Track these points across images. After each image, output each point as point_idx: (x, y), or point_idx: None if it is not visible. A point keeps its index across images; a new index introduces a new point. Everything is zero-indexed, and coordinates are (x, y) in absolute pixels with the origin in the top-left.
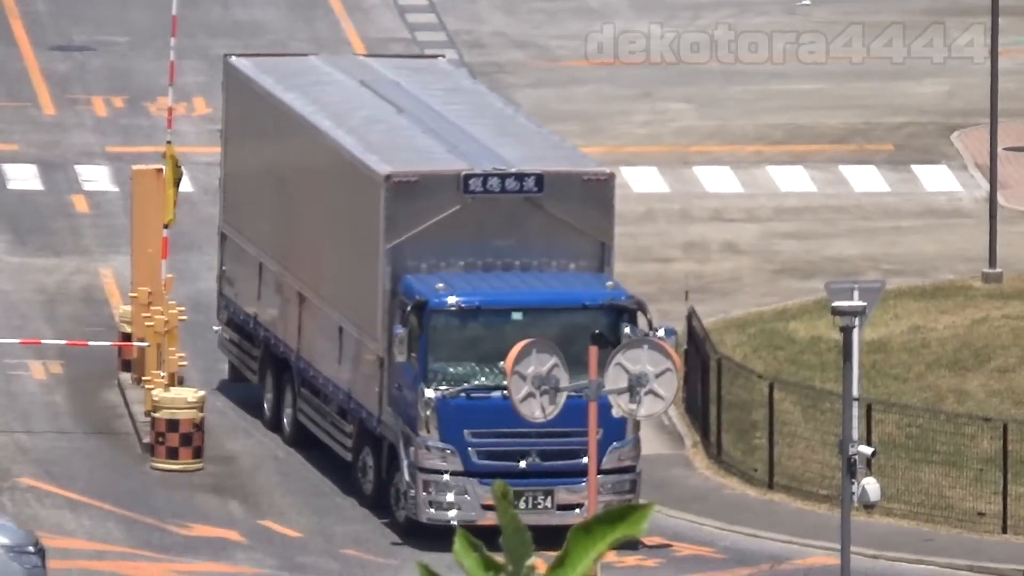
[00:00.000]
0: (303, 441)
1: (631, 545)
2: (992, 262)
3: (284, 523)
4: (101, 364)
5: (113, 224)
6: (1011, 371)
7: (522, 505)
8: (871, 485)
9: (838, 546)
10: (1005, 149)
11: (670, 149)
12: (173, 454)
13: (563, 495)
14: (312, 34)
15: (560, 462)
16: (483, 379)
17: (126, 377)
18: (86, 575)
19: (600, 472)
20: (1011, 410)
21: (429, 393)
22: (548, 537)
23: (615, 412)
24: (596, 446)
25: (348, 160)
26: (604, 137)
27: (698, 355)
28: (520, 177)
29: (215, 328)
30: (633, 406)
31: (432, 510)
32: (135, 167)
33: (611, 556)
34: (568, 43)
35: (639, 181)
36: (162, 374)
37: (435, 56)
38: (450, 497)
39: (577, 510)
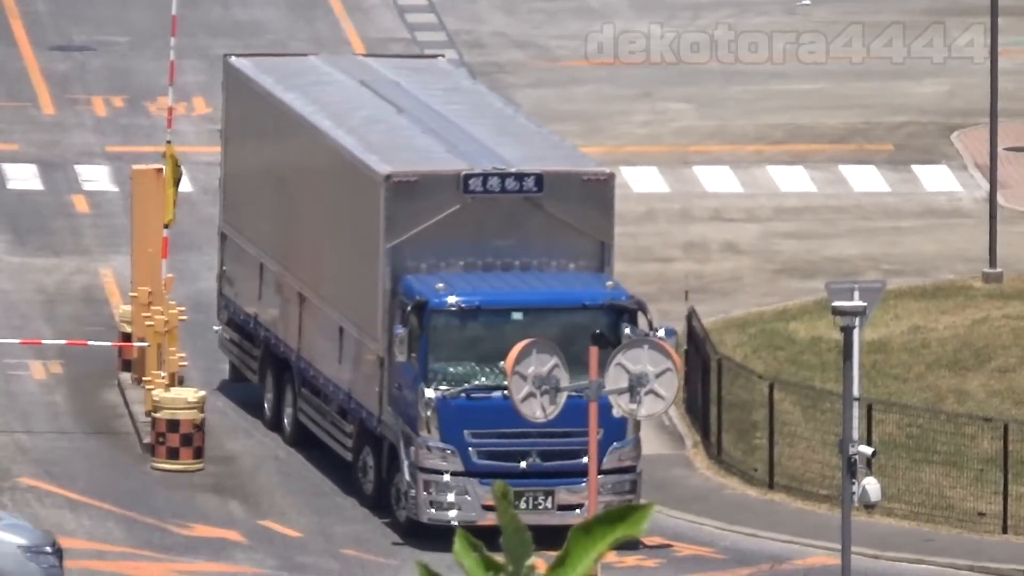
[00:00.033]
0: (303, 441)
1: (631, 545)
2: (992, 262)
3: (284, 523)
4: (101, 364)
5: (113, 224)
6: (1011, 371)
7: (523, 505)
8: (871, 485)
9: (838, 546)
10: (1005, 149)
11: (670, 149)
12: (173, 454)
13: (563, 495)
14: (312, 34)
15: (560, 462)
16: (483, 379)
17: (126, 377)
18: (86, 575)
19: (600, 472)
20: (1011, 410)
21: (429, 393)
22: (548, 537)
23: (615, 412)
24: (596, 446)
25: (348, 160)
26: (604, 137)
27: (698, 355)
28: (520, 177)
29: (215, 328)
30: (633, 406)
31: (432, 510)
32: (135, 167)
33: (611, 556)
34: (568, 43)
35: (639, 181)
36: (162, 374)
37: (435, 56)
38: (450, 497)
39: (577, 510)
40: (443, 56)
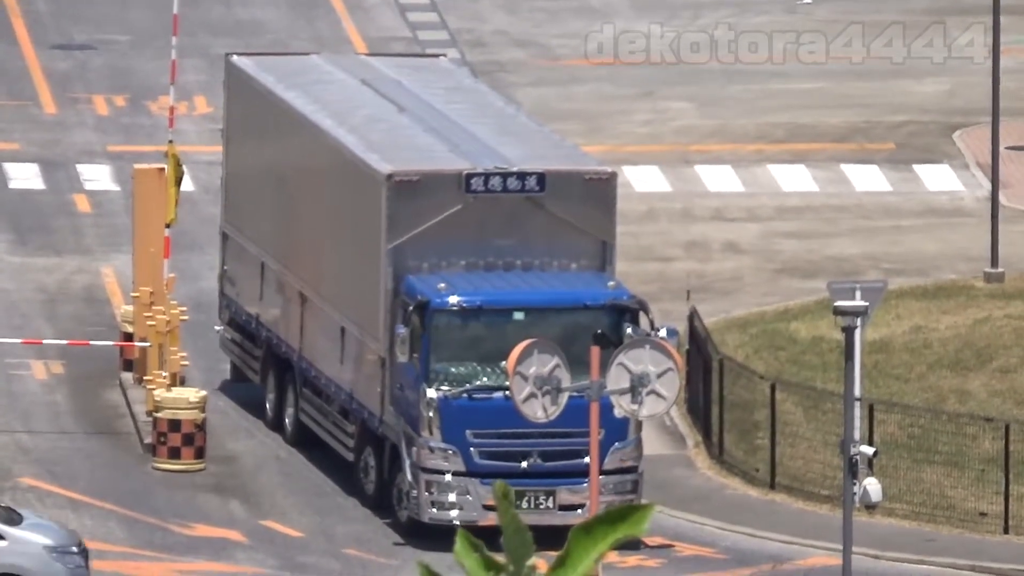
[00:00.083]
0: (305, 441)
1: (633, 545)
2: (994, 262)
3: (286, 523)
4: (103, 364)
5: (114, 223)
6: (1013, 371)
7: (524, 505)
8: (873, 485)
9: (840, 546)
10: (1007, 148)
11: (671, 148)
12: (175, 454)
13: (565, 495)
14: (313, 33)
15: (562, 462)
16: (485, 379)
17: (128, 377)
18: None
19: (602, 472)
20: (1013, 410)
21: (431, 393)
22: (550, 537)
23: (617, 412)
24: (598, 446)
25: (349, 159)
26: (605, 136)
27: (700, 355)
28: (522, 176)
29: (217, 328)
30: (635, 406)
31: (434, 510)
32: (137, 166)
33: (613, 556)
34: (569, 42)
35: (640, 180)
36: (164, 374)
37: (436, 55)
38: (452, 497)
39: (579, 510)
40: (444, 55)
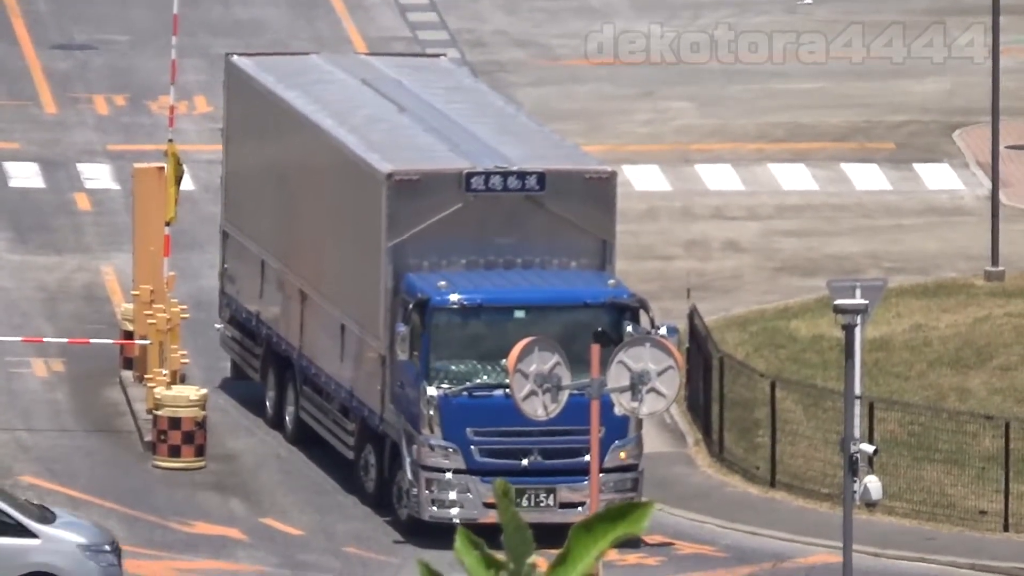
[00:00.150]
0: (305, 439)
1: (633, 543)
2: (994, 260)
3: (286, 521)
4: (103, 362)
5: (115, 222)
6: (1013, 369)
7: (524, 503)
8: (873, 483)
9: (840, 544)
10: (1007, 147)
11: (671, 147)
12: (175, 452)
13: (565, 493)
14: (313, 33)
15: (562, 460)
16: (485, 377)
17: (128, 375)
18: None
19: (602, 470)
20: (1013, 408)
21: (431, 391)
22: (550, 535)
23: (617, 410)
24: (598, 444)
25: (350, 158)
26: (605, 135)
27: (700, 353)
28: (522, 175)
29: (217, 326)
30: (635, 404)
31: (434, 508)
32: (137, 165)
33: (613, 554)
34: (569, 42)
35: (640, 179)
36: (164, 372)
37: (437, 55)
38: (452, 495)
39: (579, 508)
40: (445, 55)
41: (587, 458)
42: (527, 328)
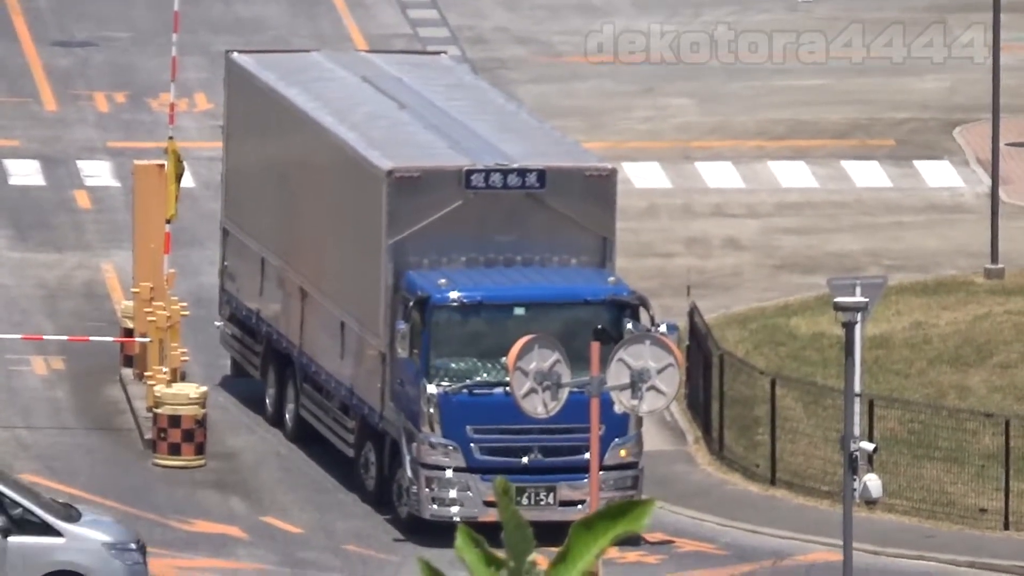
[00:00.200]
0: (305, 437)
1: (633, 541)
2: (994, 258)
3: (286, 519)
4: (103, 360)
5: (115, 219)
6: (1013, 367)
7: (524, 501)
8: (873, 481)
9: (840, 542)
10: (1007, 144)
11: (671, 144)
12: (175, 450)
13: (565, 491)
14: (314, 30)
15: (562, 458)
16: (485, 375)
17: (128, 373)
18: None
19: (602, 468)
20: (1013, 406)
21: (431, 389)
22: (550, 533)
23: (617, 408)
24: (598, 442)
25: (350, 156)
26: (606, 133)
27: (700, 351)
28: (522, 173)
29: (217, 324)
30: (635, 402)
31: (434, 506)
32: (137, 162)
33: (613, 552)
34: (570, 39)
35: (641, 176)
36: (164, 370)
37: (437, 52)
38: (452, 493)
39: (579, 506)
40: (445, 52)
41: (587, 456)
42: (527, 326)
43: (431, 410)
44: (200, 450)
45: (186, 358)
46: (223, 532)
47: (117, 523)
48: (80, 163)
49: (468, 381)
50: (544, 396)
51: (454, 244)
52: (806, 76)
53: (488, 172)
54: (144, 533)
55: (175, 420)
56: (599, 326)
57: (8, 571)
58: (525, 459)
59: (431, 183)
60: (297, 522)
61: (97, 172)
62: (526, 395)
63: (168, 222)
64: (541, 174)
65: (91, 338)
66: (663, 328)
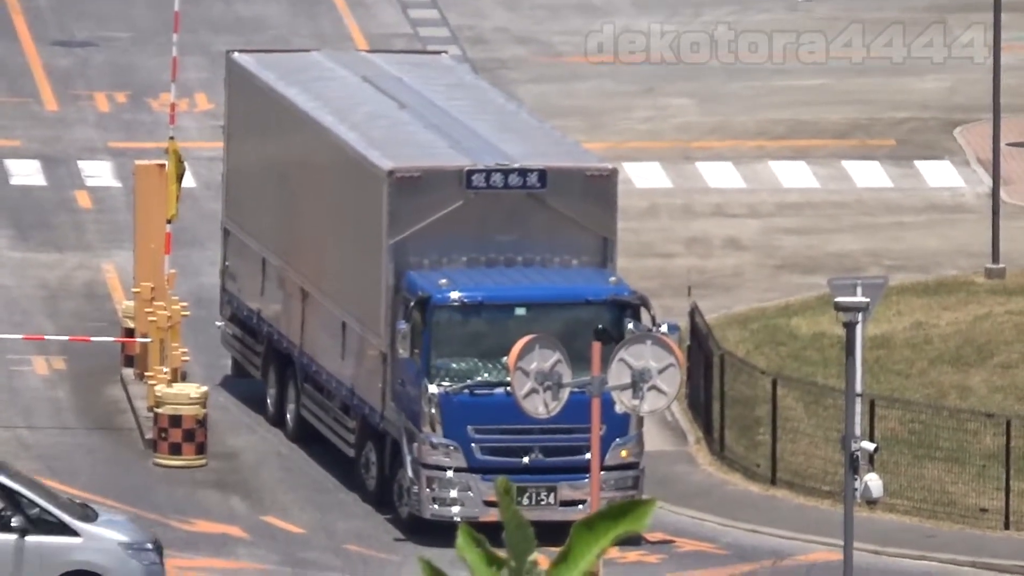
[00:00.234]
0: (306, 437)
1: (633, 541)
2: (995, 258)
3: (287, 519)
4: (104, 360)
5: (116, 219)
6: (1014, 367)
7: (525, 501)
8: (873, 481)
9: (840, 542)
10: (1008, 144)
11: (672, 144)
12: (176, 450)
13: (566, 491)
14: (314, 30)
15: (563, 458)
16: (486, 375)
17: (129, 373)
18: None
19: (603, 468)
20: (1014, 406)
21: (432, 389)
22: (551, 533)
23: (618, 408)
24: (599, 442)
25: (351, 156)
26: (606, 133)
27: (701, 351)
28: (523, 173)
29: (218, 324)
30: (636, 402)
31: (435, 506)
32: (138, 162)
33: (613, 552)
34: (570, 39)
35: (641, 176)
36: (165, 370)
37: (438, 52)
38: (453, 493)
39: (580, 506)
40: (446, 52)
41: (588, 456)
42: (528, 326)
43: (432, 410)
44: (201, 450)
45: (187, 358)
46: (224, 532)
47: (133, 523)
48: (81, 163)
49: (469, 381)
50: (545, 396)
51: (455, 244)
52: (806, 76)
53: (489, 172)
54: None
55: (176, 420)
56: (600, 326)
57: (26, 570)
58: (526, 459)
59: (432, 183)
60: (298, 522)
61: (98, 172)
62: (527, 395)
63: (169, 222)
64: (542, 174)
65: (92, 338)
66: (664, 328)
